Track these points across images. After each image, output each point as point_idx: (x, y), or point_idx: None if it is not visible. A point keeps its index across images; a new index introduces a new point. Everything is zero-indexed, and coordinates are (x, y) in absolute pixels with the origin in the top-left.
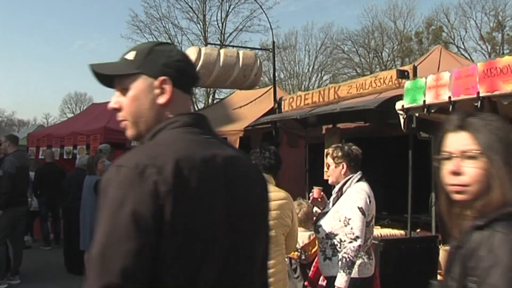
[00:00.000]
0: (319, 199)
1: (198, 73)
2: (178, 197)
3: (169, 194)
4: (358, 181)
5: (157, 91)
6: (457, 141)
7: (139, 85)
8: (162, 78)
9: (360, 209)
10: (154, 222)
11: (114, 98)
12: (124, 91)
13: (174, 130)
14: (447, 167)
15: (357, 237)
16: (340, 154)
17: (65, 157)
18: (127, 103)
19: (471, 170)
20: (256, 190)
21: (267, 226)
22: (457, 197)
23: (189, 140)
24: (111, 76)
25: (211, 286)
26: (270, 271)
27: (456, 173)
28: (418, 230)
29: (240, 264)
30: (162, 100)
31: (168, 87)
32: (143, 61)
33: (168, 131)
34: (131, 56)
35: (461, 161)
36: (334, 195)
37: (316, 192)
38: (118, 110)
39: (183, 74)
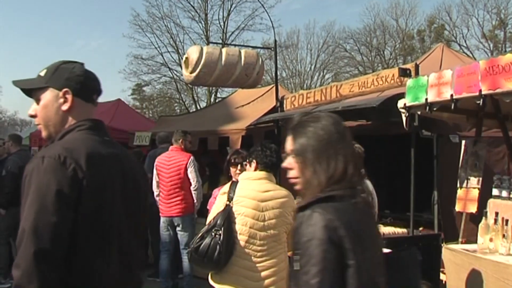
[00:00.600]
0: None
1: (99, 85)
2: (90, 182)
3: (84, 179)
4: None
5: (61, 100)
6: (288, 142)
7: (47, 96)
8: (64, 89)
9: None
10: (73, 200)
11: (32, 107)
12: (38, 101)
13: (81, 132)
14: (284, 164)
15: None
16: None
17: None
18: (39, 110)
19: (296, 166)
20: (140, 180)
21: (146, 207)
22: (296, 187)
23: (94, 140)
24: (30, 89)
25: (114, 250)
26: (273, 269)
27: (289, 169)
28: (420, 228)
29: (132, 237)
30: (65, 107)
31: (69, 97)
32: (51, 76)
33: (76, 133)
34: (43, 73)
35: (292, 158)
36: None
37: None
38: (34, 116)
39: (82, 87)
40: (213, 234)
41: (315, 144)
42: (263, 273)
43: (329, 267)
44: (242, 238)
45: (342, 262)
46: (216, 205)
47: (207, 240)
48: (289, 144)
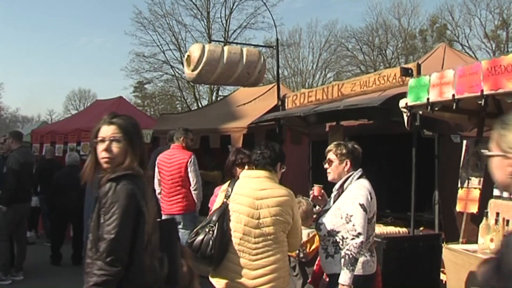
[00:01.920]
0: (320, 197)
1: None
2: None
3: None
4: (359, 178)
5: None
6: (108, 130)
7: None
8: None
9: (362, 205)
10: None
11: None
12: None
13: None
14: (101, 147)
15: (359, 233)
16: (344, 151)
17: (68, 153)
18: None
19: (116, 149)
20: None
21: None
22: (105, 166)
23: None
24: None
25: None
26: (269, 267)
27: (107, 150)
28: (421, 228)
29: None
30: None
31: None
32: None
33: None
34: None
35: (111, 143)
36: (334, 192)
37: (316, 190)
38: None
39: None
40: (207, 230)
41: (133, 133)
42: (258, 271)
43: (127, 222)
44: (236, 236)
45: (137, 218)
46: (216, 202)
47: (200, 236)
48: (110, 132)
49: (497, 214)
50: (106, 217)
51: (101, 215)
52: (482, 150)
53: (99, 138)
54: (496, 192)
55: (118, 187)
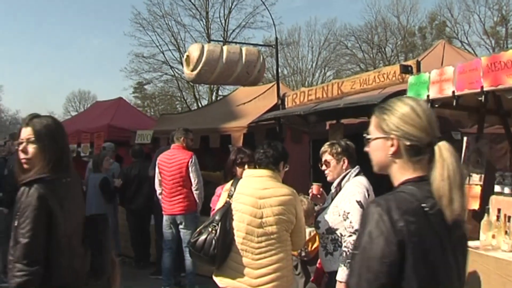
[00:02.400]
0: (319, 196)
1: None
2: None
3: None
4: (356, 175)
5: None
6: (25, 132)
7: None
8: None
9: (359, 202)
10: None
11: None
12: None
13: None
14: (20, 148)
15: (357, 230)
16: (340, 149)
17: None
18: None
19: (32, 150)
20: None
21: None
22: (25, 166)
23: None
24: None
25: None
26: (274, 266)
27: (24, 152)
28: None
29: None
30: None
31: None
32: None
33: None
34: None
35: (27, 144)
36: (333, 190)
37: (315, 188)
38: None
39: None
40: (210, 229)
41: (48, 135)
42: (261, 270)
43: (39, 225)
44: (239, 235)
45: (49, 221)
46: (220, 201)
47: (203, 236)
48: (26, 134)
49: (499, 210)
50: (21, 221)
51: (16, 218)
52: (364, 135)
53: (19, 140)
54: (497, 188)
55: (30, 192)
